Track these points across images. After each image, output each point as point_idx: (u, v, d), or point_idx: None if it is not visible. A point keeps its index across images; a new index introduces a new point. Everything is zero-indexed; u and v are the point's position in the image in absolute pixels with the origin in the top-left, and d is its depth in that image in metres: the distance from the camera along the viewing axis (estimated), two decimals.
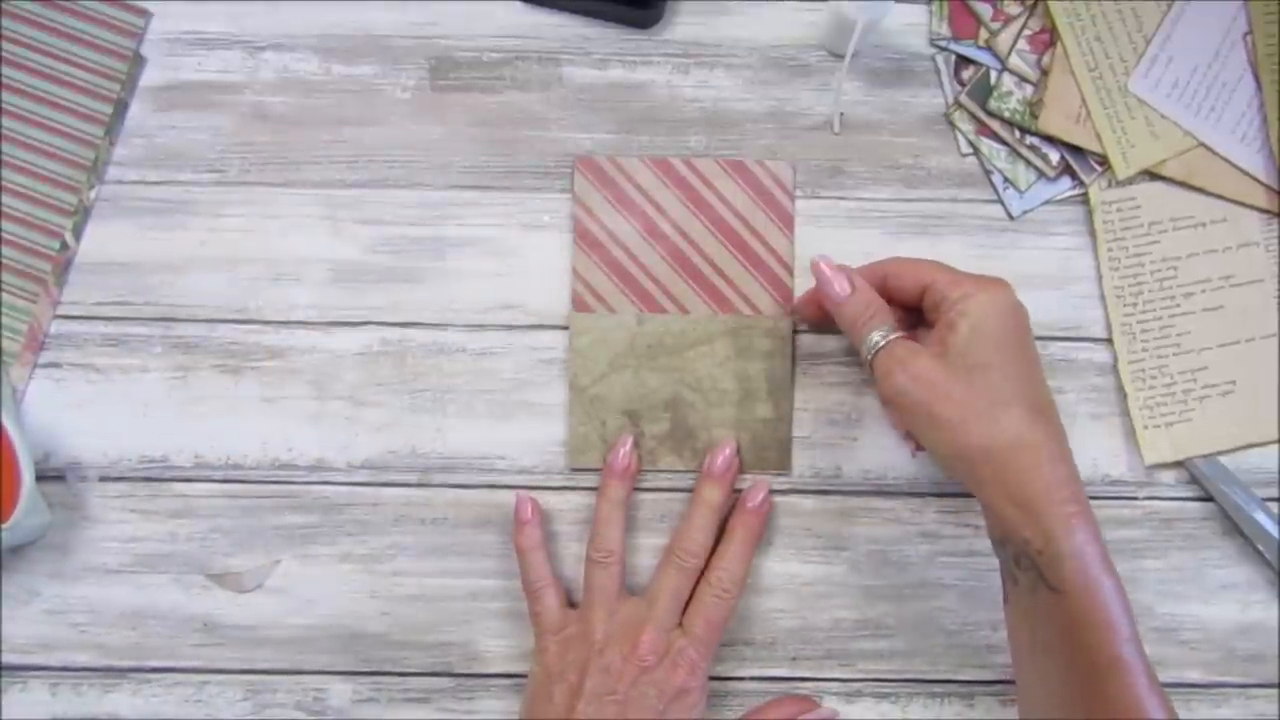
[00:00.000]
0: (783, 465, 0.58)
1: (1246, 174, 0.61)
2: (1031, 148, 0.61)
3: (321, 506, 0.58)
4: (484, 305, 0.60)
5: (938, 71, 0.62)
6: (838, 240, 0.61)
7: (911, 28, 0.63)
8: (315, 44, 0.62)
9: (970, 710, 0.58)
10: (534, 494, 0.58)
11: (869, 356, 0.52)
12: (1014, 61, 0.62)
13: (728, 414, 0.58)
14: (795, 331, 0.59)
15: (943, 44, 0.63)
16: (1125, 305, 0.60)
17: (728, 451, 0.57)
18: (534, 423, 0.59)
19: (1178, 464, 0.60)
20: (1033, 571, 0.47)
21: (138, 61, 0.61)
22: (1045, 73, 0.62)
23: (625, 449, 0.57)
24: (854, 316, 0.52)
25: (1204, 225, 0.61)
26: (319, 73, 0.61)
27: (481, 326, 0.60)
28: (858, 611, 0.59)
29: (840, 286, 0.53)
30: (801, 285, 0.60)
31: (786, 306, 0.59)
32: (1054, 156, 0.61)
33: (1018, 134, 0.62)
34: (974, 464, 0.48)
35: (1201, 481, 0.59)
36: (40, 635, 0.57)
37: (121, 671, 0.57)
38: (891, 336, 0.51)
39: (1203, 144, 0.61)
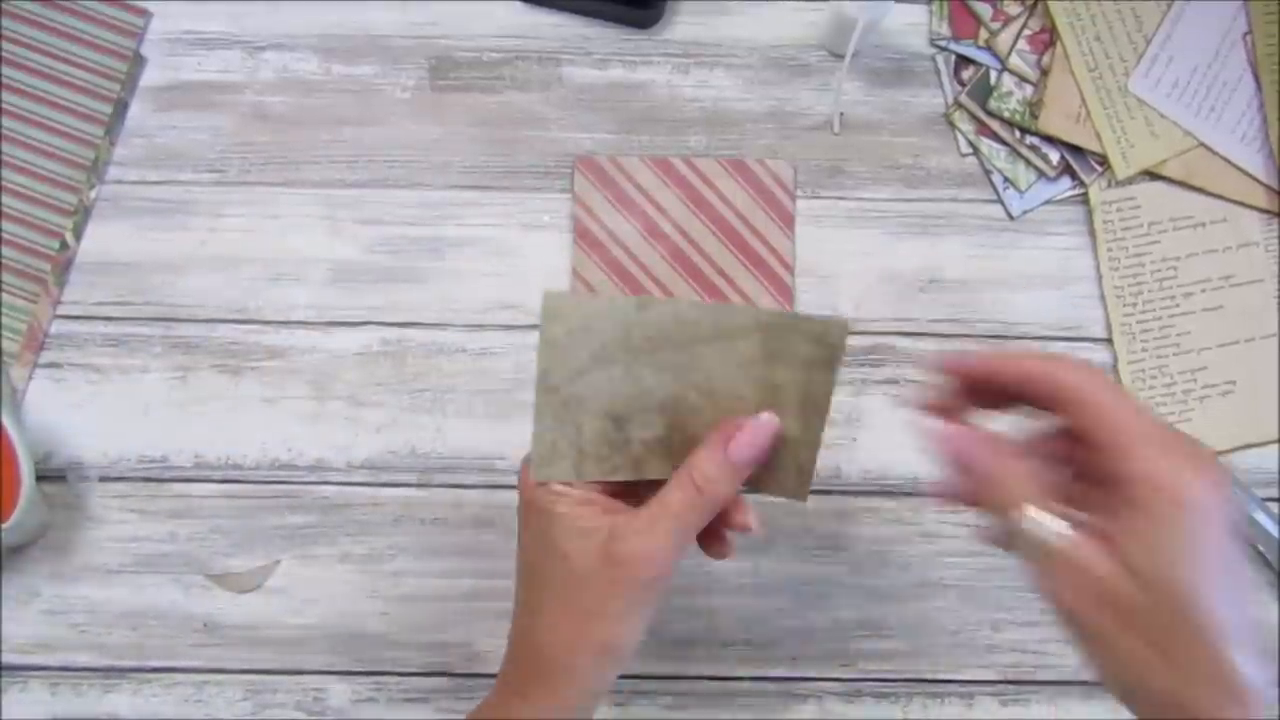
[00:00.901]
0: (799, 492, 0.46)
1: (1246, 174, 0.61)
2: (1031, 148, 0.61)
3: (321, 507, 0.58)
4: (484, 305, 0.60)
5: (938, 71, 0.62)
6: (838, 240, 0.61)
7: (911, 28, 0.63)
8: (315, 44, 0.62)
9: (970, 710, 0.58)
10: None
11: (1034, 557, 0.38)
12: (1014, 61, 0.62)
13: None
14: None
15: (943, 44, 0.63)
16: (1125, 305, 0.60)
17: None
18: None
19: None
20: None
21: (138, 61, 0.61)
22: (1045, 73, 0.62)
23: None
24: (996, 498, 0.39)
25: (1204, 225, 0.61)
26: (319, 73, 0.61)
27: (481, 326, 0.60)
28: (858, 611, 0.59)
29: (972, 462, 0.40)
30: (802, 285, 0.60)
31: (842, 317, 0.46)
32: (1054, 156, 0.61)
33: (1018, 134, 0.62)
34: (1155, 709, 0.37)
35: None
36: (40, 635, 0.57)
37: (121, 671, 0.57)
38: (1068, 535, 0.37)
39: (1202, 144, 0.61)
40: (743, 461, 0.42)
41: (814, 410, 0.45)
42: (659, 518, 0.41)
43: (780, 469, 0.45)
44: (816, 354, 0.44)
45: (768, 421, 0.43)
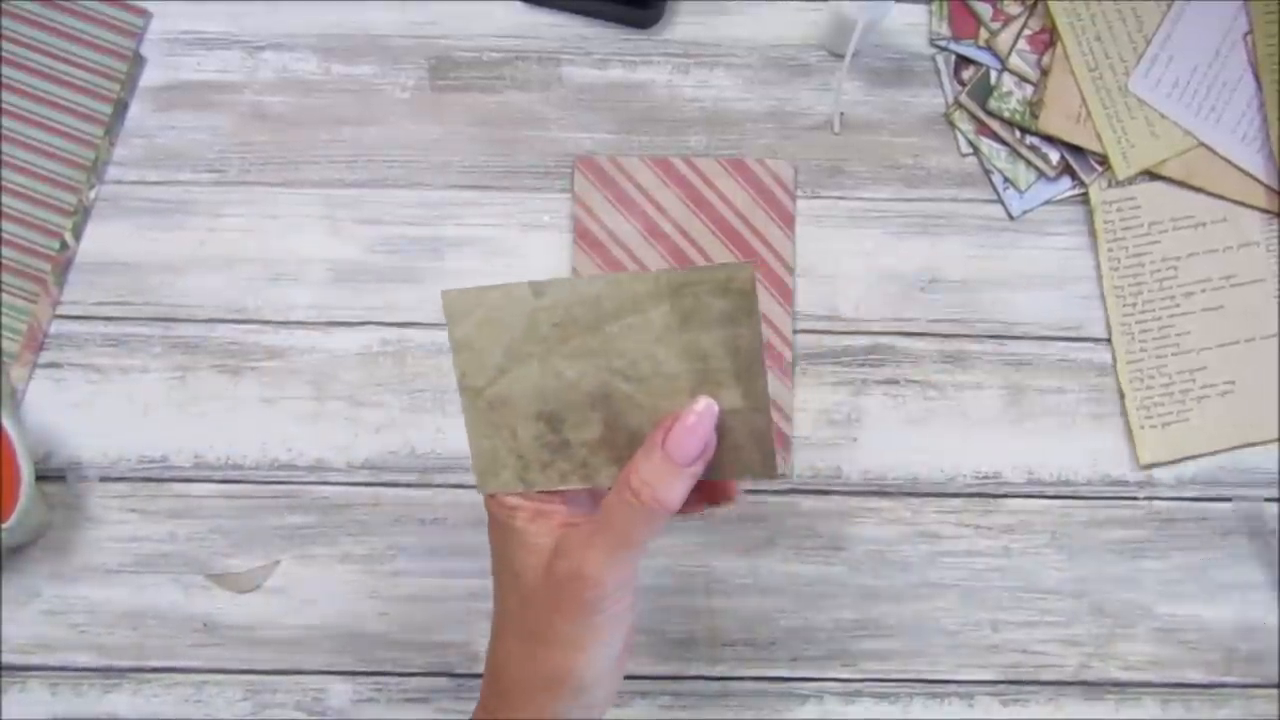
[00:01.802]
0: (766, 469, 0.41)
1: (1247, 174, 0.61)
2: (1031, 148, 0.61)
3: (321, 507, 0.58)
4: None
5: (938, 71, 0.62)
6: (838, 240, 0.61)
7: (911, 28, 0.63)
8: (315, 44, 0.62)
9: (970, 710, 0.58)
10: None
11: None
12: (1014, 61, 0.62)
13: (680, 405, 0.40)
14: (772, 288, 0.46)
15: (943, 44, 0.63)
16: (1125, 305, 0.60)
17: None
18: None
19: (1173, 463, 0.60)
20: None
21: (137, 61, 0.61)
22: (1045, 73, 0.62)
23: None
24: None
25: (1204, 225, 0.61)
26: (318, 72, 0.61)
27: None
28: (858, 611, 0.59)
29: None
30: (802, 285, 0.60)
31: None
32: (1054, 156, 0.61)
33: (1018, 134, 0.62)
34: None
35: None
36: (40, 635, 0.57)
37: (121, 672, 0.57)
38: None
39: (1203, 144, 0.61)
40: (685, 457, 0.38)
41: (750, 371, 0.40)
42: (598, 530, 0.38)
43: (737, 447, 0.41)
44: (732, 306, 0.40)
45: (703, 408, 0.38)
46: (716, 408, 0.39)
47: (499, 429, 0.42)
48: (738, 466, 0.41)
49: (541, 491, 0.41)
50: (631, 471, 0.38)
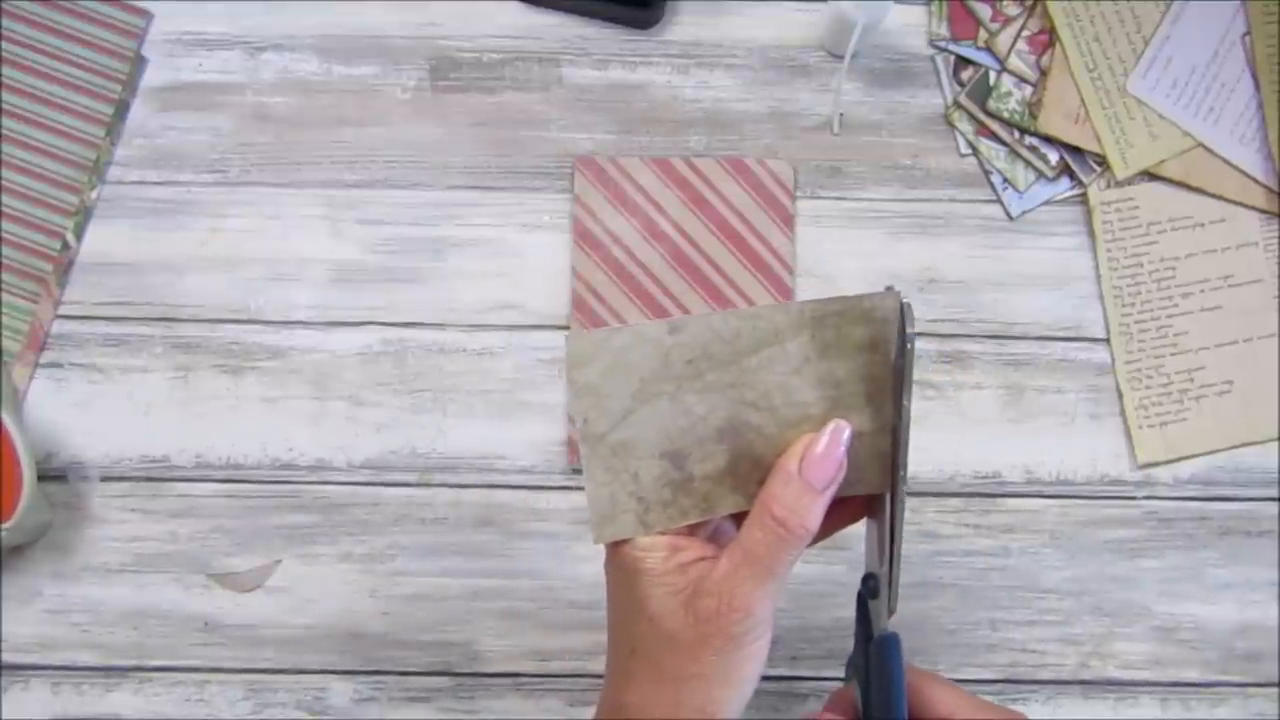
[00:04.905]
0: (883, 486, 0.42)
1: (1245, 174, 0.61)
2: (1030, 148, 0.62)
3: (322, 506, 0.58)
4: (484, 305, 0.60)
5: (937, 72, 0.63)
6: (838, 240, 0.61)
7: (911, 28, 0.63)
8: (315, 44, 0.62)
9: None
10: (534, 494, 0.59)
11: None
12: (1013, 62, 0.62)
13: (806, 430, 0.41)
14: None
15: (942, 45, 0.63)
16: (1123, 305, 0.60)
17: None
18: (534, 422, 0.59)
19: (1171, 462, 0.60)
20: None
21: (139, 62, 0.61)
22: (1044, 73, 0.62)
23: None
24: None
25: (1203, 225, 0.61)
26: (319, 73, 0.61)
27: (481, 326, 0.60)
28: None
29: None
30: (802, 285, 0.60)
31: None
32: (1053, 157, 0.62)
33: (1017, 134, 0.62)
34: None
35: None
36: (42, 635, 0.57)
37: (123, 671, 0.57)
38: None
39: (1201, 144, 0.61)
40: (822, 482, 0.39)
41: (883, 395, 0.41)
42: (741, 563, 0.38)
43: (859, 467, 0.42)
44: (872, 334, 0.40)
45: (837, 430, 0.39)
46: (848, 429, 0.40)
47: (618, 474, 0.41)
48: (858, 484, 0.42)
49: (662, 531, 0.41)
50: (772, 502, 0.39)
